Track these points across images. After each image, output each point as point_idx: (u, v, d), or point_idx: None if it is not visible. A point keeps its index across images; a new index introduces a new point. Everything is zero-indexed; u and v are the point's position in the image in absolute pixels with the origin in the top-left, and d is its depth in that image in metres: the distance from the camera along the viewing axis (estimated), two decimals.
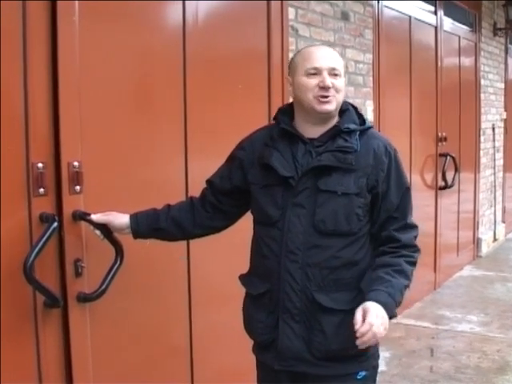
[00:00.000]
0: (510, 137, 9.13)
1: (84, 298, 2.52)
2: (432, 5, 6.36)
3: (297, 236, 2.20)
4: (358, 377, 2.28)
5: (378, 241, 2.28)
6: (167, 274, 3.03)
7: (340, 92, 2.23)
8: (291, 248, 2.21)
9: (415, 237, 2.31)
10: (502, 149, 8.79)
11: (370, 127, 2.33)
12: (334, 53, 2.30)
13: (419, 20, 5.99)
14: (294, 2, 3.86)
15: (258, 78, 3.62)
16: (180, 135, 3.06)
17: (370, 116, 4.83)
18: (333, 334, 2.20)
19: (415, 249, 2.30)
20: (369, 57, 4.89)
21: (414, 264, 2.27)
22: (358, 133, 2.26)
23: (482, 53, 7.77)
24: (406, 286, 2.22)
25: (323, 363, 2.25)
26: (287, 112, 2.35)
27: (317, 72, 2.20)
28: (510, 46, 8.90)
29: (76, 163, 2.49)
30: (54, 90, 2.43)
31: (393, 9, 5.42)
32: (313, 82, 2.20)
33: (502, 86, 8.69)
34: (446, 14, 6.63)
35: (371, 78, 4.96)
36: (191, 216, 2.46)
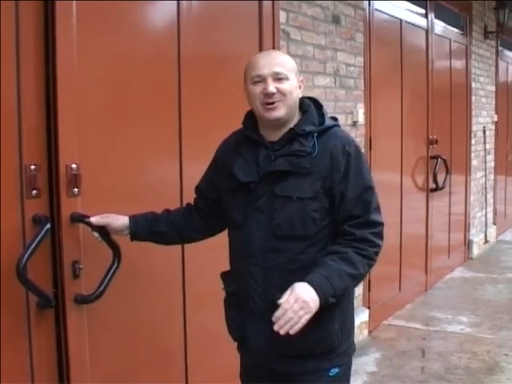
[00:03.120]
0: (501, 139, 9.19)
1: (82, 300, 2.53)
2: (423, 8, 6.40)
3: (257, 240, 2.24)
4: (331, 374, 2.28)
5: (336, 237, 2.24)
6: (162, 276, 3.05)
7: (288, 95, 2.21)
8: (252, 251, 2.25)
9: (375, 233, 2.22)
10: (492, 151, 8.84)
11: (329, 127, 2.28)
12: (279, 57, 2.30)
13: (410, 23, 6.03)
14: (285, 6, 3.89)
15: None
16: (175, 138, 3.09)
17: (361, 119, 4.85)
18: (296, 334, 2.08)
19: (372, 244, 2.20)
20: (360, 60, 4.92)
21: (366, 257, 2.18)
22: (315, 135, 2.23)
23: (473, 56, 7.82)
24: (351, 275, 2.15)
25: (292, 360, 2.27)
26: (253, 116, 2.35)
27: (261, 79, 2.21)
28: (500, 48, 8.95)
29: (74, 165, 2.51)
30: (48, 93, 2.45)
31: (384, 12, 5.46)
32: (258, 89, 2.21)
33: (493, 88, 8.74)
34: (436, 17, 6.67)
35: (362, 81, 4.98)
36: (189, 222, 2.52)
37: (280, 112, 2.21)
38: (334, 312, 2.23)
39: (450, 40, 7.14)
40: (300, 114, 2.31)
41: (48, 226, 2.34)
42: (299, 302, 2.02)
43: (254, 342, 2.30)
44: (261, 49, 3.64)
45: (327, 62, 4.43)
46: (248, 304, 2.29)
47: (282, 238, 2.21)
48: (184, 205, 2.70)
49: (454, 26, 7.33)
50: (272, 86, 2.19)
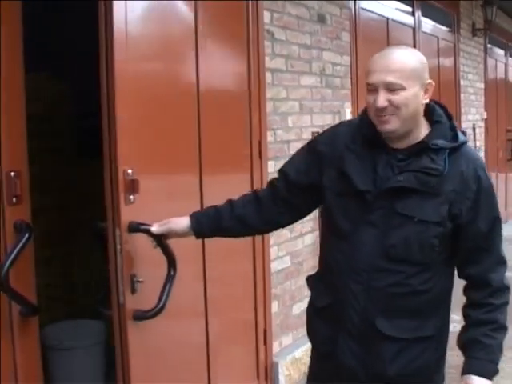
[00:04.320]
0: (491, 136, 9.18)
1: (141, 317, 2.44)
2: (410, 6, 6.39)
3: (365, 256, 2.03)
4: None
5: (467, 278, 2.14)
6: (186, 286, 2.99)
7: (402, 108, 1.96)
8: (357, 268, 2.04)
9: (505, 274, 2.11)
10: (483, 148, 8.83)
11: (462, 144, 2.05)
12: (396, 60, 1.99)
13: (397, 21, 6.01)
14: (269, 6, 3.85)
15: (237, 85, 3.61)
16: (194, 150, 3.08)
17: (348, 118, 4.83)
18: (391, 361, 2.06)
19: (507, 290, 2.10)
20: (346, 59, 4.90)
21: (507, 304, 2.09)
22: (447, 151, 2.00)
23: (461, 53, 7.83)
24: (505, 336, 2.10)
25: None
26: None
27: (373, 88, 2.00)
28: (489, 46, 8.95)
29: (130, 171, 2.44)
30: (103, 96, 2.44)
31: (370, 11, 5.43)
32: (370, 98, 2.02)
33: (482, 85, 8.75)
34: (424, 15, 6.66)
35: (349, 80, 4.96)
36: (259, 213, 2.29)
37: (392, 125, 1.99)
38: (435, 343, 2.16)
39: (437, 38, 7.12)
40: (427, 122, 2.08)
41: (28, 232, 2.29)
42: None
43: (344, 361, 2.12)
44: (249, 51, 3.62)
45: (313, 61, 4.40)
46: (343, 322, 2.11)
47: (394, 259, 2.02)
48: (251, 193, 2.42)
49: (441, 24, 7.32)
50: (382, 100, 1.96)
